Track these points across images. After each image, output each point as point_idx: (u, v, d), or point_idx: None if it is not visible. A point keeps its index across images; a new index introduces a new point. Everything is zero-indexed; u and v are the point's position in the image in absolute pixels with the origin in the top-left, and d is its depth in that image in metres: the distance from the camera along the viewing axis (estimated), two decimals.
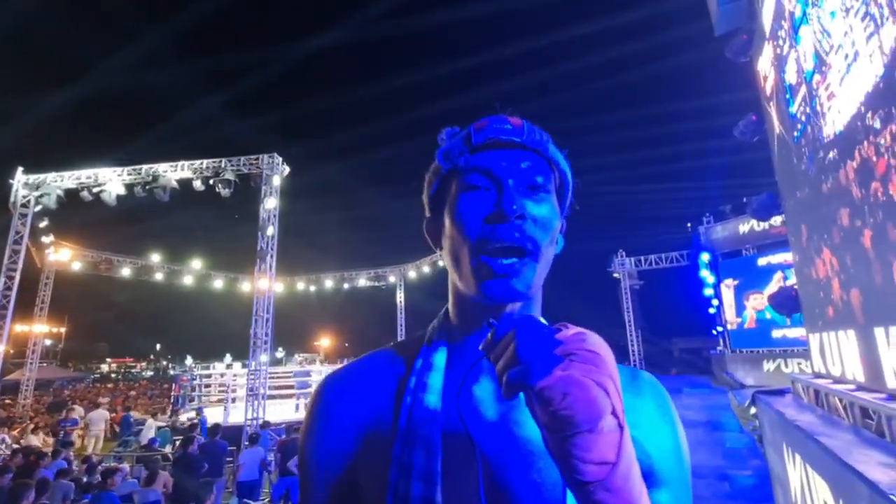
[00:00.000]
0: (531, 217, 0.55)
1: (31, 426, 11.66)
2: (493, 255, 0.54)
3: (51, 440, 10.22)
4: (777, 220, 10.93)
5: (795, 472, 3.95)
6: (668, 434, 0.57)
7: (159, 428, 10.81)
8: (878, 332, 3.44)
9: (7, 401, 16.54)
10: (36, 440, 10.09)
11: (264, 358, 10.74)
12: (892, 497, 1.97)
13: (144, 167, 11.21)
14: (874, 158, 3.30)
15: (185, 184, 11.29)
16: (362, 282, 21.86)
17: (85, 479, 6.10)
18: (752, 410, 8.31)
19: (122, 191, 11.18)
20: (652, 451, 0.54)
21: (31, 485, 4.79)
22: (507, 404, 0.55)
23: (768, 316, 15.47)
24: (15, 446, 9.32)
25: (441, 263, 0.63)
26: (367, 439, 0.57)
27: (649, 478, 0.53)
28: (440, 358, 0.59)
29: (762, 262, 16.30)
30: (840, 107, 3.85)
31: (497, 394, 0.56)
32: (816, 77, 4.35)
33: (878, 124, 3.21)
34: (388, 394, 0.59)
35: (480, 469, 0.51)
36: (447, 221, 0.60)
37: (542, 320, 0.64)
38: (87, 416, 11.71)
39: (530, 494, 0.50)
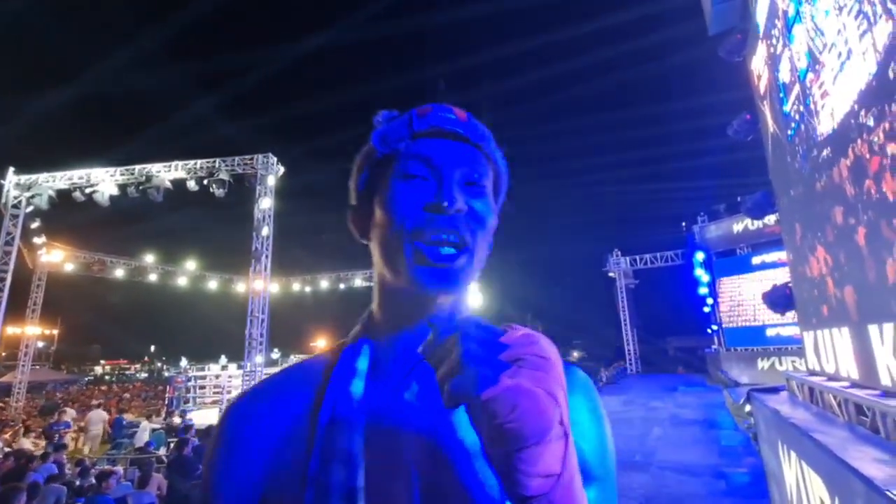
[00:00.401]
0: (471, 212, 0.53)
1: (23, 429, 11.56)
2: (429, 244, 0.51)
3: (43, 443, 10.13)
4: (771, 218, 11.00)
5: (791, 470, 3.97)
6: (597, 432, 0.55)
7: (154, 430, 10.73)
8: (872, 329, 3.46)
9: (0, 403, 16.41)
10: (28, 443, 9.99)
11: (260, 359, 10.69)
12: (887, 493, 1.98)
13: (137, 167, 11.14)
14: (867, 156, 3.31)
15: (179, 184, 11.23)
16: (358, 282, 21.83)
17: (78, 483, 6.04)
18: (747, 408, 8.36)
19: (114, 191, 11.10)
20: (583, 446, 0.53)
21: (21, 488, 4.74)
22: (440, 410, 0.50)
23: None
24: (7, 450, 9.23)
25: None
26: (280, 462, 0.51)
27: (582, 474, 0.52)
28: (363, 362, 0.55)
29: (756, 260, 16.41)
30: (834, 105, 3.87)
31: (430, 398, 0.52)
32: (810, 76, 4.37)
33: (871, 122, 3.22)
34: (303, 408, 0.53)
35: (415, 480, 0.47)
36: (378, 210, 0.56)
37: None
38: (86, 416, 11.64)
39: (471, 498, 0.46)
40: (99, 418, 11.34)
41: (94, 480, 5.63)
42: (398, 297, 0.55)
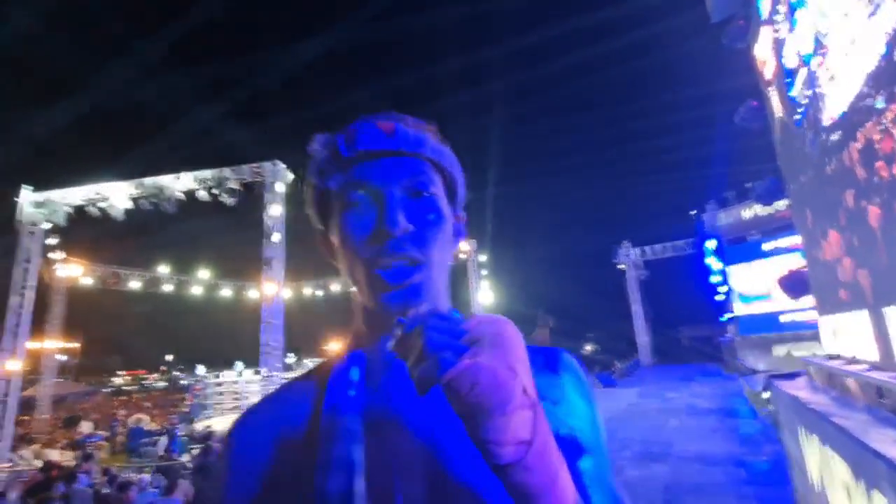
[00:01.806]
0: (416, 226, 0.54)
1: (47, 440, 11.83)
2: (384, 268, 0.53)
3: (69, 454, 10.35)
4: (781, 204, 10.89)
5: (813, 455, 3.96)
6: (585, 406, 0.58)
7: (175, 436, 10.92)
8: (889, 311, 3.45)
9: (24, 417, 16.74)
10: (55, 454, 10.22)
11: (276, 364, 10.81)
12: None
13: (149, 180, 11.31)
14: (878, 139, 3.30)
15: (190, 194, 11.38)
16: None
17: (105, 491, 6.19)
18: (766, 395, 8.31)
19: (128, 205, 11.28)
20: (574, 423, 0.56)
21: (53, 498, 4.87)
22: (432, 408, 0.53)
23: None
24: (36, 461, 9.45)
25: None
26: (283, 473, 0.53)
27: (575, 448, 0.55)
28: (355, 372, 0.56)
29: (768, 246, 16.24)
30: (841, 88, 3.85)
31: (420, 399, 0.55)
32: (816, 59, 4.35)
33: (880, 104, 3.21)
34: (302, 419, 0.55)
35: (416, 480, 0.49)
36: (335, 239, 0.58)
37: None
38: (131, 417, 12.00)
39: (475, 490, 0.48)
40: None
41: (117, 490, 5.77)
42: (374, 314, 0.57)
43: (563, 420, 0.56)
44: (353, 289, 0.59)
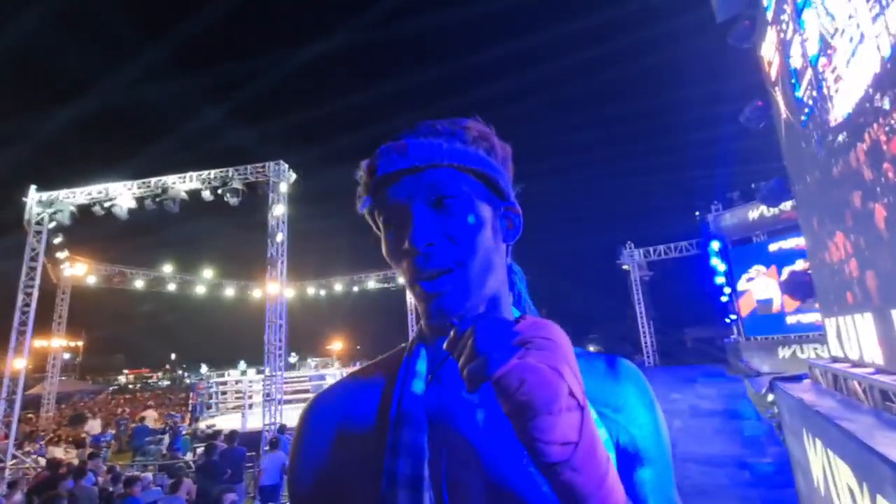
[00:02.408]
0: (445, 236, 0.56)
1: (51, 437, 11.90)
2: (423, 280, 0.55)
3: (73, 451, 10.41)
4: (787, 205, 10.83)
5: (817, 458, 3.93)
6: (648, 416, 0.59)
7: (179, 434, 10.96)
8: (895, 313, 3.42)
9: (29, 415, 16.86)
10: (59, 452, 10.28)
11: (279, 363, 10.84)
12: None
13: (154, 180, 11.35)
14: (885, 140, 3.28)
15: (194, 194, 11.42)
16: (372, 284, 21.95)
17: (110, 489, 6.22)
18: (770, 397, 8.26)
19: (132, 204, 11.33)
20: (635, 432, 0.57)
21: (62, 496, 4.90)
22: (481, 400, 0.56)
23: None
24: (40, 459, 9.52)
25: None
26: (357, 457, 0.57)
27: (634, 458, 0.56)
28: (421, 365, 0.60)
29: (773, 248, 16.15)
30: (847, 89, 3.82)
31: (480, 394, 0.56)
32: (822, 60, 4.32)
33: (887, 105, 3.19)
34: (374, 406, 0.60)
35: (475, 470, 0.52)
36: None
37: (516, 313, 0.65)
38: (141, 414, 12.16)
39: (527, 486, 0.51)
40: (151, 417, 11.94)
41: (122, 487, 5.80)
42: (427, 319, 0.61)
43: (625, 428, 0.57)
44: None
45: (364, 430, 0.59)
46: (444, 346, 0.45)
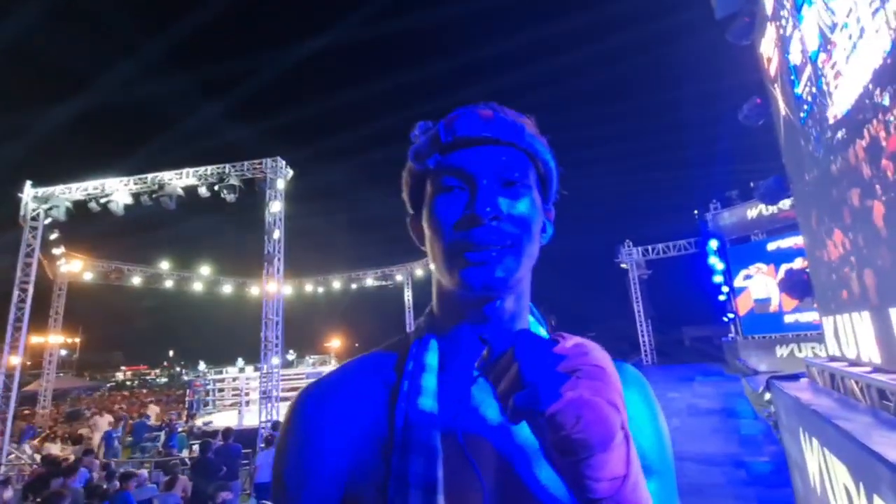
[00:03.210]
0: (507, 216, 0.54)
1: (47, 433, 11.86)
2: (473, 251, 0.52)
3: (69, 448, 10.39)
4: (786, 203, 10.81)
5: (813, 457, 3.92)
6: (654, 426, 0.58)
7: (175, 431, 10.95)
8: (894, 312, 3.40)
9: (26, 411, 16.82)
10: (55, 449, 10.26)
11: (276, 360, 10.82)
12: None
13: (150, 176, 11.31)
14: (884, 136, 3.25)
15: (191, 191, 11.37)
16: (370, 281, 21.96)
17: (105, 486, 6.19)
18: (767, 396, 8.26)
19: (129, 200, 11.29)
20: (642, 442, 0.54)
21: (65, 495, 4.87)
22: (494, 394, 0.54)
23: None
24: (37, 455, 9.49)
25: None
26: (360, 457, 0.53)
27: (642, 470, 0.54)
28: (432, 358, 0.56)
29: (771, 246, 16.14)
30: (847, 85, 3.79)
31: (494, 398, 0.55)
32: (822, 56, 4.29)
33: (886, 101, 3.16)
34: (378, 401, 0.55)
35: (488, 473, 0.50)
36: (425, 223, 0.58)
37: (542, 331, 0.62)
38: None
39: (537, 498, 0.49)
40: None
41: (118, 483, 5.78)
42: (453, 299, 0.57)
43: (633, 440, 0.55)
44: (433, 268, 0.59)
45: (370, 429, 0.54)
46: (476, 365, 0.42)
